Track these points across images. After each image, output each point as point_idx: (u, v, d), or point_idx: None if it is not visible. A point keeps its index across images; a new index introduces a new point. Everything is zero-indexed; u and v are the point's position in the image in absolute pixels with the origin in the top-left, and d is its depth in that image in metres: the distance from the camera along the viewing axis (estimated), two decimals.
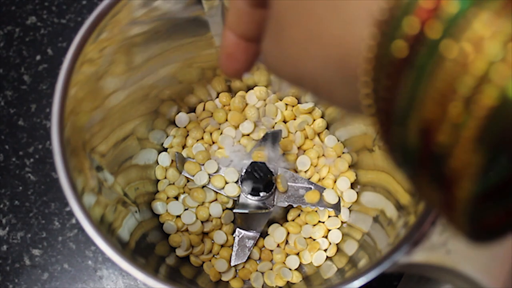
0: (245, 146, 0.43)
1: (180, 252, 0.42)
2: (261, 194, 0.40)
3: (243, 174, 0.40)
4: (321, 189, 0.42)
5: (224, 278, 0.42)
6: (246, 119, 0.45)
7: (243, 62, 0.22)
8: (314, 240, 0.43)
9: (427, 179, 0.15)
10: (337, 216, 0.43)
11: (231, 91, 0.46)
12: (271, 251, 0.43)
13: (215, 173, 0.42)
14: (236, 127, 0.45)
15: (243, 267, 0.43)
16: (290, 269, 0.42)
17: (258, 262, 0.43)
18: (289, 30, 0.18)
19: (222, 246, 0.43)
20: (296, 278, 0.42)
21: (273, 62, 0.20)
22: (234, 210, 0.41)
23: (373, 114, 0.16)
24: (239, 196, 0.41)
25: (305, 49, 0.17)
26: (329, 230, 0.43)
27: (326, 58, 0.17)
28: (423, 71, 0.13)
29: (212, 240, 0.43)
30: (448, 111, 0.13)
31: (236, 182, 0.41)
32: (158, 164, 0.44)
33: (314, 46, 0.17)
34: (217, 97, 0.47)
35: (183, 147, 0.45)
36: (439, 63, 0.13)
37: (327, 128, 0.46)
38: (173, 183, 0.44)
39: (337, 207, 0.42)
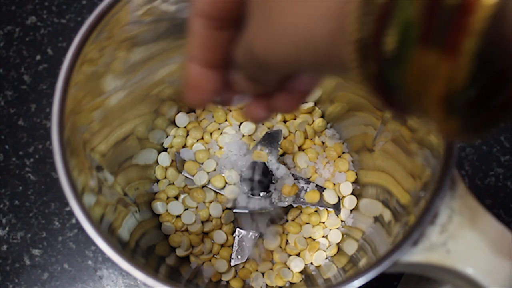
0: (245, 146, 0.43)
1: (180, 252, 0.42)
2: (261, 194, 0.40)
3: (243, 174, 0.40)
4: (321, 189, 0.42)
5: (224, 278, 0.42)
6: (246, 119, 0.45)
7: (209, 91, 0.21)
8: (314, 240, 0.43)
9: (429, 52, 0.15)
10: (337, 216, 0.43)
11: None
12: (271, 251, 0.43)
13: (214, 172, 0.42)
14: (237, 127, 0.45)
15: (243, 267, 0.43)
16: (289, 269, 0.42)
17: (258, 262, 0.43)
18: (278, 16, 0.18)
19: (222, 246, 0.43)
20: (296, 278, 0.42)
21: (262, 48, 0.19)
22: (234, 210, 0.41)
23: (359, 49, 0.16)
24: (239, 196, 0.41)
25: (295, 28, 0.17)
26: (330, 230, 0.43)
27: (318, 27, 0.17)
28: None
29: (212, 240, 0.43)
30: None
31: (236, 182, 0.41)
32: (158, 164, 0.44)
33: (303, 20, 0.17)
34: None
35: (183, 147, 0.45)
36: None
37: (327, 128, 0.46)
38: (173, 183, 0.44)
39: (337, 207, 0.42)
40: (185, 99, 0.22)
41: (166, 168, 0.44)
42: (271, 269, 0.43)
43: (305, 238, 0.43)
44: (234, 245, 0.42)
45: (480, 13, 0.14)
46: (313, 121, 0.46)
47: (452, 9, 0.15)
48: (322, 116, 0.46)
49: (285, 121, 0.46)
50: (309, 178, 0.44)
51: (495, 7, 0.14)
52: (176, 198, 0.44)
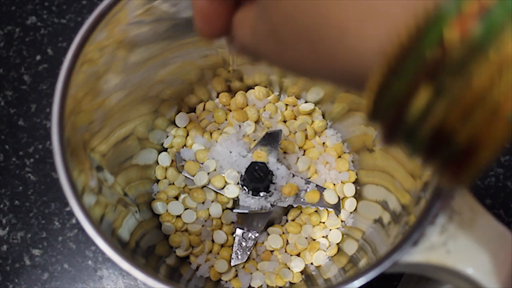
0: (245, 146, 0.43)
1: (180, 252, 0.42)
2: (261, 194, 0.40)
3: (243, 174, 0.40)
4: (321, 189, 0.42)
5: (224, 278, 0.42)
6: (246, 119, 0.45)
7: (220, 25, 0.22)
8: (314, 240, 0.43)
9: (438, 161, 0.16)
10: (337, 216, 0.43)
11: (231, 91, 0.46)
12: (271, 251, 0.43)
13: (214, 172, 0.42)
14: (237, 127, 0.45)
15: (243, 267, 0.43)
16: (289, 269, 0.42)
17: (258, 262, 0.43)
18: (291, 42, 0.18)
19: (222, 246, 0.43)
20: (296, 278, 0.42)
21: (269, 55, 0.20)
22: (234, 210, 0.41)
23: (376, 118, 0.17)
24: (239, 196, 0.41)
25: (310, 60, 0.18)
26: (330, 230, 0.43)
27: (331, 70, 0.17)
28: (461, 70, 0.14)
29: (212, 240, 0.43)
30: (475, 116, 0.14)
31: (236, 182, 0.41)
32: (158, 164, 0.44)
33: (321, 63, 0.17)
34: (217, 97, 0.47)
35: (183, 147, 0.45)
36: (480, 65, 0.14)
37: (327, 128, 0.46)
38: (173, 183, 0.44)
39: (337, 207, 0.42)
40: (198, 31, 0.22)
41: (166, 168, 0.44)
42: (272, 269, 0.43)
43: (305, 238, 0.43)
44: (234, 245, 0.42)
45: (483, 157, 0.15)
46: (313, 121, 0.46)
47: (458, 148, 0.15)
48: (323, 116, 0.46)
49: (285, 121, 0.46)
50: (309, 178, 0.44)
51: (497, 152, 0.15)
52: (176, 198, 0.44)
